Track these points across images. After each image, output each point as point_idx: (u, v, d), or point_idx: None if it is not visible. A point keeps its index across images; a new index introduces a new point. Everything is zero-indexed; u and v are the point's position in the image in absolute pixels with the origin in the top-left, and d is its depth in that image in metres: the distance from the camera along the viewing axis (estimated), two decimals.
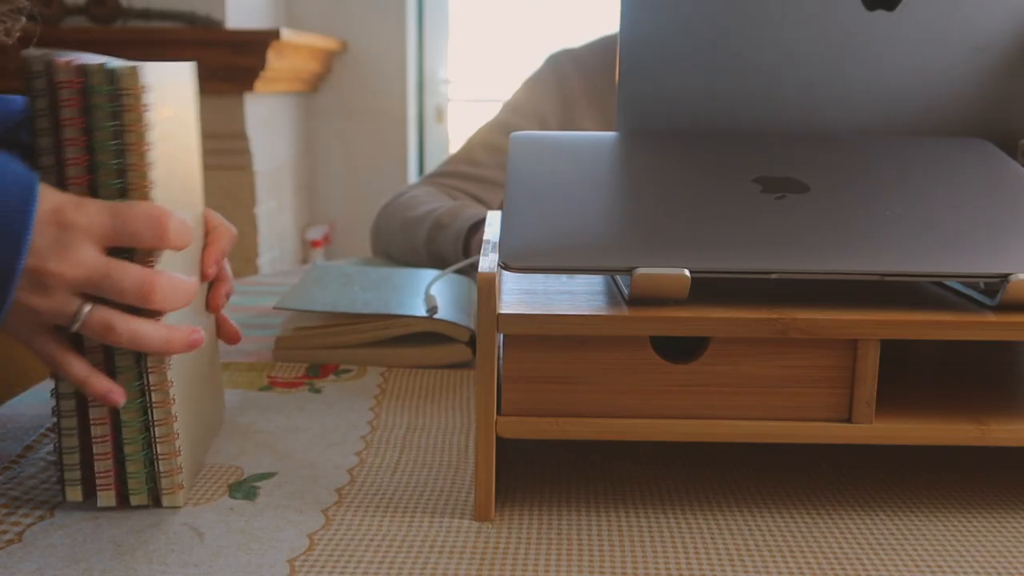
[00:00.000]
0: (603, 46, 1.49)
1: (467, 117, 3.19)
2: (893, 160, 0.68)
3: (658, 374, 0.56)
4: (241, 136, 2.40)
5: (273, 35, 2.27)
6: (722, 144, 0.69)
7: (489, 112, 1.50)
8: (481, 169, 1.37)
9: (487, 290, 0.54)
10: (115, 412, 0.55)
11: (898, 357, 0.66)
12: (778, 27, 0.70)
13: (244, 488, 0.60)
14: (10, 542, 0.53)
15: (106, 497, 0.56)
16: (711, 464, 0.65)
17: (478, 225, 1.14)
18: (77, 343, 0.55)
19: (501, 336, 0.55)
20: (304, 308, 0.90)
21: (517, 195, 0.62)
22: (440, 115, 3.18)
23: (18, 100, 0.74)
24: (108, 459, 0.56)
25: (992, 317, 0.55)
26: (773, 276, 0.55)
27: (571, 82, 1.46)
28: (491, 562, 0.52)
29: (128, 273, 0.53)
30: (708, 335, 0.55)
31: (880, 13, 0.69)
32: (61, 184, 0.53)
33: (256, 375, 0.84)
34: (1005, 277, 0.55)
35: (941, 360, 0.69)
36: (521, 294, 0.59)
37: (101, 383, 0.54)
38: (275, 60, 2.35)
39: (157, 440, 0.56)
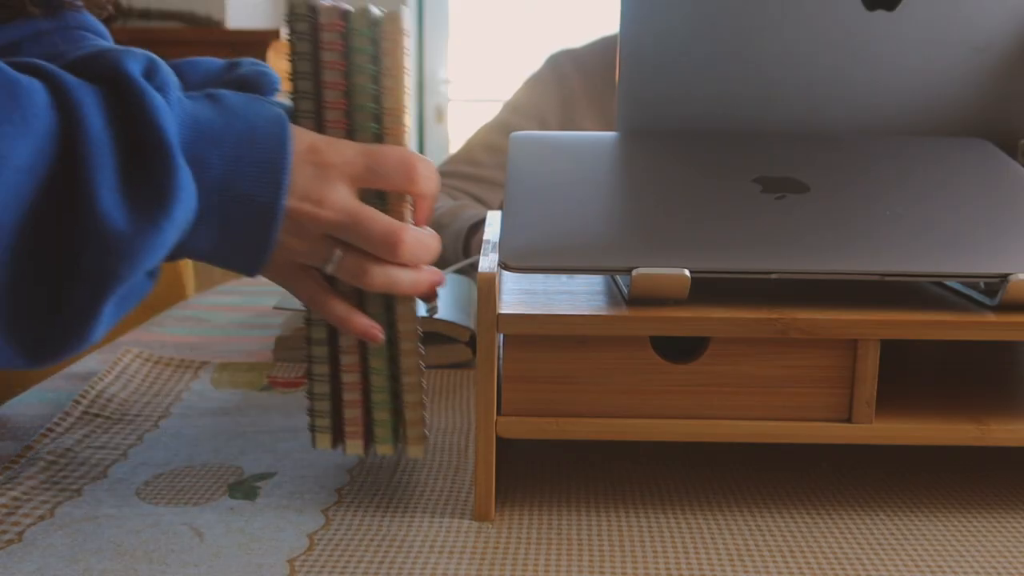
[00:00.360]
0: (603, 46, 1.49)
1: (467, 117, 3.19)
2: (893, 160, 0.68)
3: (658, 374, 0.56)
4: None
5: (273, 35, 2.27)
6: (722, 144, 0.69)
7: (489, 112, 1.50)
8: (481, 169, 1.37)
9: (487, 290, 0.54)
10: (364, 361, 0.56)
11: (898, 357, 0.66)
12: (778, 27, 0.70)
13: (244, 488, 0.60)
14: (10, 542, 0.53)
15: (353, 446, 0.57)
16: (711, 464, 0.65)
17: (478, 225, 1.14)
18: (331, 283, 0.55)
19: (501, 336, 0.55)
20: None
21: (517, 195, 0.62)
22: (440, 115, 3.18)
23: (216, 62, 0.75)
24: (357, 407, 0.56)
25: (992, 317, 0.55)
26: (773, 276, 0.55)
27: (571, 82, 1.46)
28: (491, 562, 0.52)
29: (378, 222, 0.53)
30: (708, 335, 0.55)
31: (880, 13, 0.69)
32: (320, 127, 0.54)
33: (256, 375, 0.84)
34: (1005, 277, 0.55)
35: (941, 360, 0.69)
36: (521, 294, 0.59)
37: (361, 320, 0.55)
38: (275, 60, 2.35)
39: (404, 389, 0.56)
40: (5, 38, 0.72)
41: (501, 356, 0.57)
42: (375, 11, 0.52)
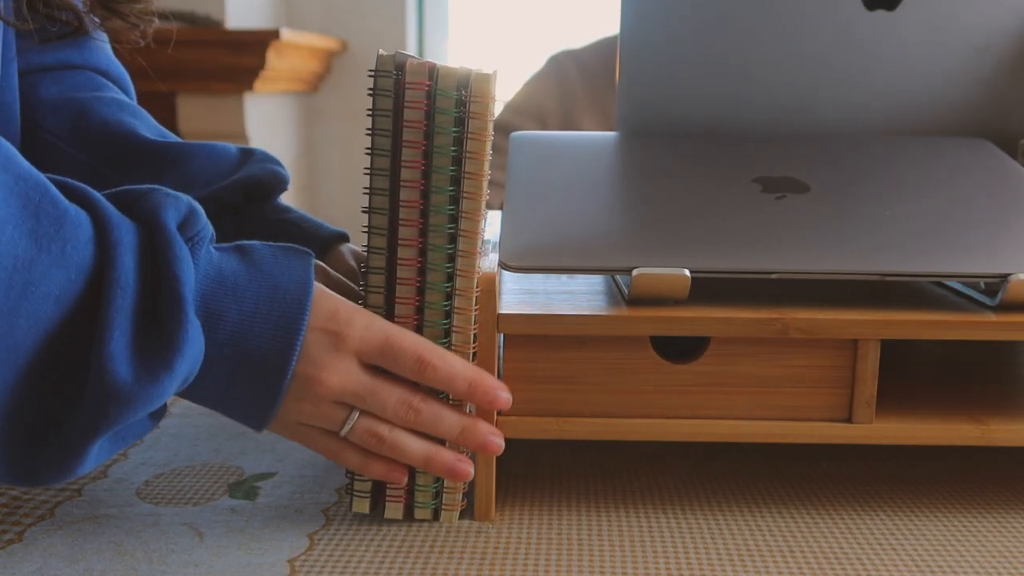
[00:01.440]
0: (604, 47, 1.50)
1: None
2: (893, 160, 0.68)
3: (658, 374, 0.56)
4: (241, 136, 2.40)
5: (273, 35, 2.27)
6: (722, 144, 0.69)
7: None
8: None
9: (487, 290, 0.54)
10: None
11: (898, 357, 0.66)
12: (778, 27, 0.70)
13: (244, 488, 0.60)
14: (10, 542, 0.53)
15: (393, 509, 0.56)
16: (711, 464, 0.65)
17: None
18: None
19: (501, 336, 0.55)
20: None
21: (517, 195, 0.62)
22: None
23: (230, 153, 0.76)
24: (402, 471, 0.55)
25: (992, 317, 0.55)
26: (773, 276, 0.55)
27: (572, 83, 1.46)
28: (491, 562, 0.52)
29: (393, 393, 0.52)
30: (708, 335, 0.55)
31: (880, 13, 0.69)
32: (394, 185, 0.52)
33: None
34: (1005, 277, 0.55)
35: (941, 360, 0.69)
36: (521, 294, 0.59)
37: (377, 467, 0.54)
38: (275, 60, 2.35)
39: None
40: (38, 61, 0.73)
41: (501, 356, 0.57)
42: (465, 71, 0.51)
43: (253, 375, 0.50)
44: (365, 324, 0.52)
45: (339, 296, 0.52)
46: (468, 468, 0.54)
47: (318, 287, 0.51)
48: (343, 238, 0.77)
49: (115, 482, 0.61)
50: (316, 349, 0.50)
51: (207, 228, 0.49)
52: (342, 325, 0.51)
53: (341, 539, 0.54)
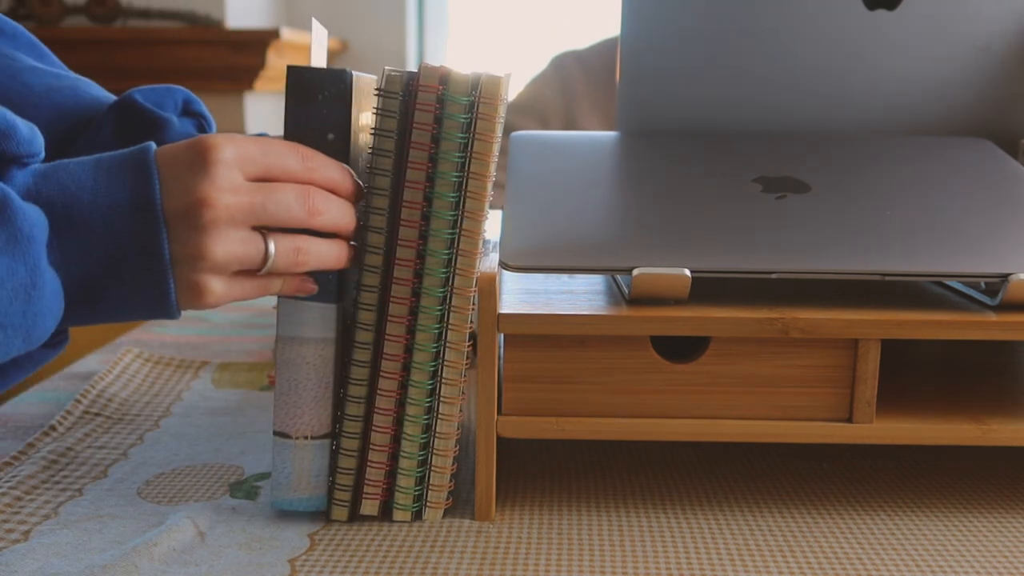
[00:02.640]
0: (607, 48, 1.50)
1: None
2: (894, 160, 0.68)
3: (658, 374, 0.56)
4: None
5: (273, 34, 2.27)
6: (722, 144, 0.69)
7: None
8: None
9: (487, 290, 0.54)
10: (399, 425, 0.54)
11: (899, 357, 0.66)
12: (779, 27, 0.70)
13: (245, 488, 0.60)
14: (15, 541, 0.53)
15: (369, 506, 0.55)
16: (711, 464, 0.65)
17: None
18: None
19: (501, 336, 0.55)
20: None
21: (517, 195, 0.62)
22: None
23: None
24: (382, 469, 0.55)
25: (993, 317, 0.55)
26: (773, 276, 0.55)
27: (575, 84, 1.46)
28: (491, 562, 0.52)
29: (288, 188, 0.50)
30: (708, 335, 0.55)
31: (881, 13, 0.69)
32: (395, 188, 0.52)
33: (256, 375, 0.84)
34: (1006, 277, 0.55)
35: (942, 360, 0.69)
36: (521, 294, 0.59)
37: (296, 282, 0.52)
38: (275, 59, 2.35)
39: (435, 452, 0.55)
40: None
41: (501, 356, 0.57)
42: (475, 76, 0.51)
43: (128, 243, 0.47)
44: (227, 136, 0.49)
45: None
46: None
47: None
48: None
49: (116, 482, 0.61)
50: (185, 178, 0.47)
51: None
52: (205, 143, 0.48)
53: (342, 539, 0.54)
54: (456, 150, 0.52)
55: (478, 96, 0.51)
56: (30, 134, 0.48)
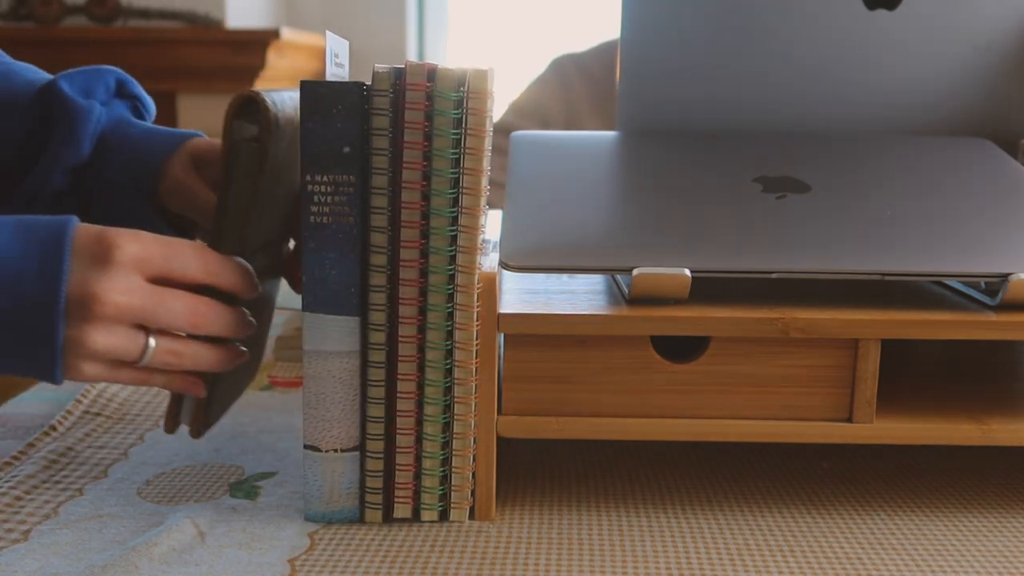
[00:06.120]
0: (606, 50, 1.50)
1: None
2: (894, 160, 0.68)
3: (658, 374, 0.56)
4: None
5: (273, 34, 2.27)
6: (722, 144, 0.69)
7: None
8: None
9: (488, 290, 0.54)
10: (419, 425, 0.55)
11: (899, 357, 0.66)
12: (779, 27, 0.70)
13: (245, 487, 0.60)
14: (15, 541, 0.53)
15: (402, 509, 0.56)
16: (711, 464, 0.65)
17: None
18: None
19: (501, 336, 0.55)
20: None
21: (517, 195, 0.62)
22: None
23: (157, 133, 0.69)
24: (410, 471, 0.55)
25: (993, 317, 0.55)
26: (774, 276, 0.55)
27: (574, 86, 1.47)
28: (491, 562, 0.52)
29: (179, 299, 0.52)
30: (708, 335, 0.55)
31: (881, 13, 0.69)
32: (394, 187, 0.53)
33: (258, 375, 0.84)
34: (1005, 277, 0.55)
35: (942, 360, 0.69)
36: (521, 294, 0.59)
37: (179, 381, 0.55)
38: (275, 59, 2.35)
39: (453, 452, 0.55)
40: None
41: (501, 356, 0.57)
42: (462, 71, 0.51)
43: (25, 313, 0.49)
44: (134, 235, 0.52)
45: (102, 226, 0.52)
46: (244, 353, 0.56)
47: (86, 225, 0.51)
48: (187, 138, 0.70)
49: (116, 482, 0.61)
50: (87, 270, 0.50)
51: None
52: (110, 240, 0.50)
53: (342, 539, 0.54)
54: (450, 146, 0.52)
55: (467, 91, 0.51)
56: None
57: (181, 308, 0.52)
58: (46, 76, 0.70)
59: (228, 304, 0.55)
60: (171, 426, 0.58)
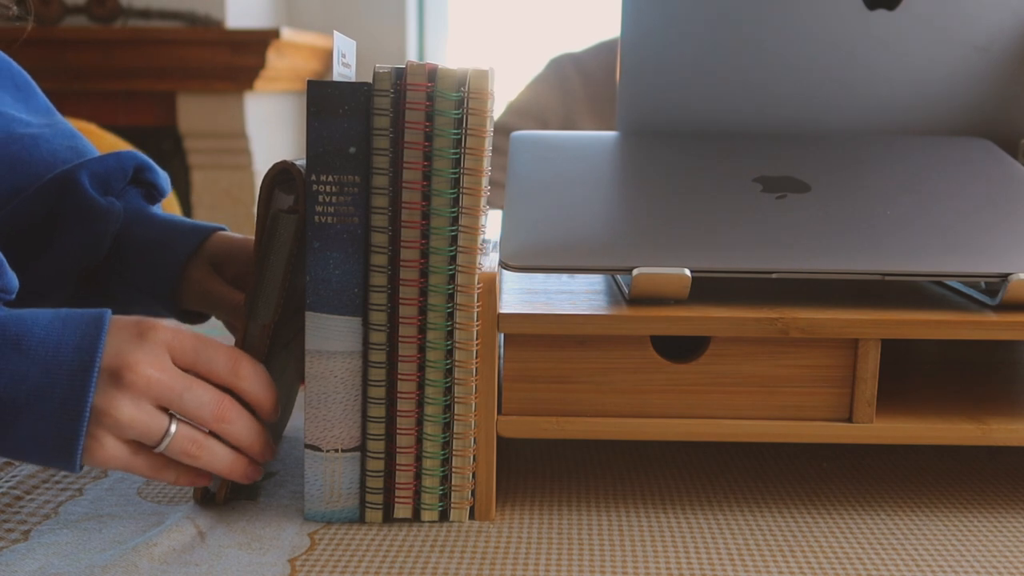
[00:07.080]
0: (605, 50, 1.50)
1: None
2: (894, 160, 0.68)
3: (658, 374, 0.56)
4: (241, 135, 2.40)
5: (273, 34, 2.27)
6: (722, 144, 0.69)
7: None
8: None
9: (488, 290, 0.54)
10: (420, 424, 0.55)
11: (899, 357, 0.66)
12: (779, 27, 0.70)
13: (245, 487, 0.60)
14: (15, 541, 0.53)
15: (402, 509, 0.56)
16: (711, 464, 0.65)
17: None
18: None
19: (501, 336, 0.56)
20: None
21: (517, 195, 0.62)
22: None
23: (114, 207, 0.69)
24: (410, 471, 0.55)
25: (993, 317, 0.55)
26: (774, 276, 0.56)
27: (573, 86, 1.47)
28: (491, 562, 0.52)
29: (208, 391, 0.53)
30: (708, 335, 0.55)
31: (881, 12, 0.69)
32: (395, 187, 0.53)
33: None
34: (1005, 277, 0.55)
35: (942, 359, 0.69)
36: (521, 294, 0.59)
37: (188, 476, 0.55)
38: (275, 59, 2.35)
39: (454, 452, 0.55)
40: None
41: (501, 356, 0.57)
42: (463, 71, 0.52)
43: (57, 381, 0.49)
44: (171, 324, 0.53)
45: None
46: (260, 471, 0.57)
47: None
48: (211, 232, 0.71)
49: (117, 481, 0.61)
50: (123, 344, 0.50)
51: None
52: (148, 322, 0.52)
53: (342, 539, 0.54)
54: (451, 146, 0.52)
55: (467, 91, 0.52)
56: (10, 277, 0.55)
57: (208, 399, 0.52)
58: (72, 146, 0.71)
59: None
60: (199, 496, 0.58)
